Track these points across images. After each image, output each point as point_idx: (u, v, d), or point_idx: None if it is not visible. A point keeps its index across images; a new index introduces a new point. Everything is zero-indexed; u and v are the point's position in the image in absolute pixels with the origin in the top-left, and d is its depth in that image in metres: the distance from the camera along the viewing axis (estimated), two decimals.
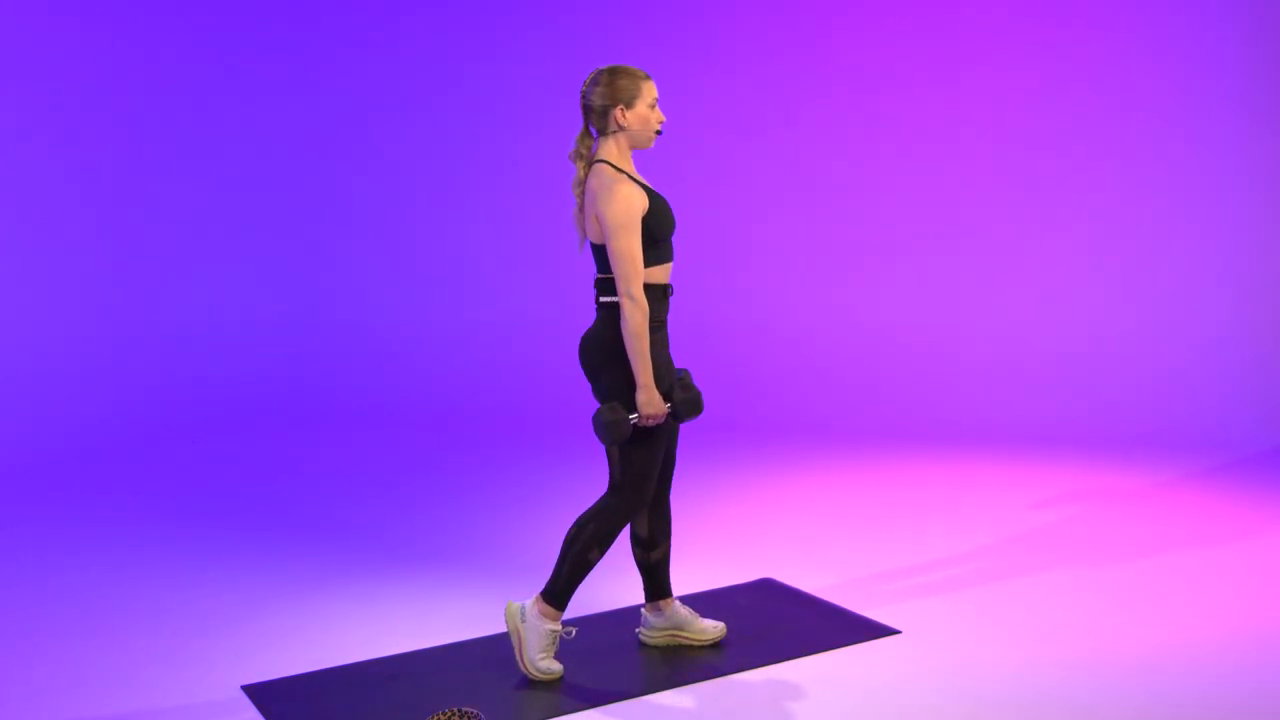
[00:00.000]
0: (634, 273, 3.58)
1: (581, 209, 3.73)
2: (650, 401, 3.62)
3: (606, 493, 3.78)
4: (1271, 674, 3.70)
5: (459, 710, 3.30)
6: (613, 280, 3.65)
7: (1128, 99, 7.22)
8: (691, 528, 5.08)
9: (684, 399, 3.72)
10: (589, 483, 5.56)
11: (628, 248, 3.58)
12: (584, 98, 3.71)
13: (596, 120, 3.71)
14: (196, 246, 7.83)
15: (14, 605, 4.48)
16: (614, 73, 3.69)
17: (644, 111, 3.69)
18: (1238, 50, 7.06)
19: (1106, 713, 3.46)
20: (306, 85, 8.08)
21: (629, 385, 3.65)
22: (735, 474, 6.01)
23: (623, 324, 3.60)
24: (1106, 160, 7.27)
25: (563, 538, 3.79)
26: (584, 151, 3.73)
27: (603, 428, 3.61)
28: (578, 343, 3.79)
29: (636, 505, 3.74)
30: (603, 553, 3.74)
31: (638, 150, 3.75)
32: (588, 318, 3.89)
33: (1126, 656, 3.84)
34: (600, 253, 3.69)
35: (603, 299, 3.70)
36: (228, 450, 6.65)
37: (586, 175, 3.70)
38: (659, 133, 3.73)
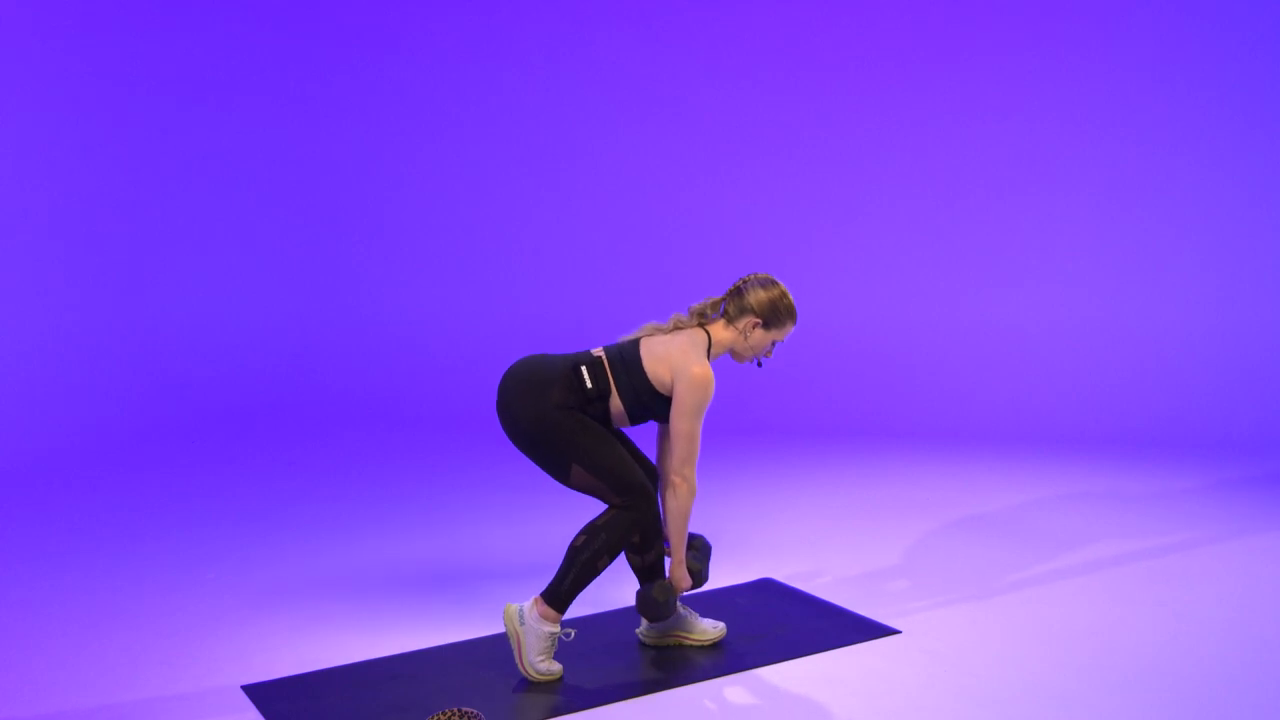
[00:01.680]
0: (693, 455, 3.76)
1: (660, 330, 3.83)
2: (683, 577, 3.89)
3: (611, 506, 3.78)
4: (1272, 674, 3.70)
5: (459, 710, 3.30)
6: (613, 373, 3.73)
7: (1127, 98, 7.22)
8: (692, 528, 5.08)
9: (695, 570, 3.95)
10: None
11: (694, 431, 3.73)
12: (744, 283, 3.85)
13: (733, 308, 3.85)
14: (195, 246, 7.83)
15: (14, 605, 4.47)
16: (784, 298, 3.84)
17: (766, 340, 3.86)
18: (1238, 50, 7.07)
19: (1106, 712, 3.46)
20: (307, 85, 8.07)
21: (545, 423, 3.68)
22: (735, 474, 6.01)
23: (672, 501, 3.78)
24: (1107, 160, 7.28)
25: (563, 537, 3.80)
26: (706, 314, 3.86)
27: (655, 607, 3.80)
28: (517, 360, 3.84)
29: (644, 508, 3.75)
30: (611, 560, 3.75)
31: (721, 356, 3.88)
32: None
33: (1126, 656, 3.83)
34: (636, 366, 3.74)
35: (583, 368, 3.74)
36: (228, 450, 6.65)
37: (691, 328, 3.83)
38: (758, 365, 3.93)
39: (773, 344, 3.88)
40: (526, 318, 7.81)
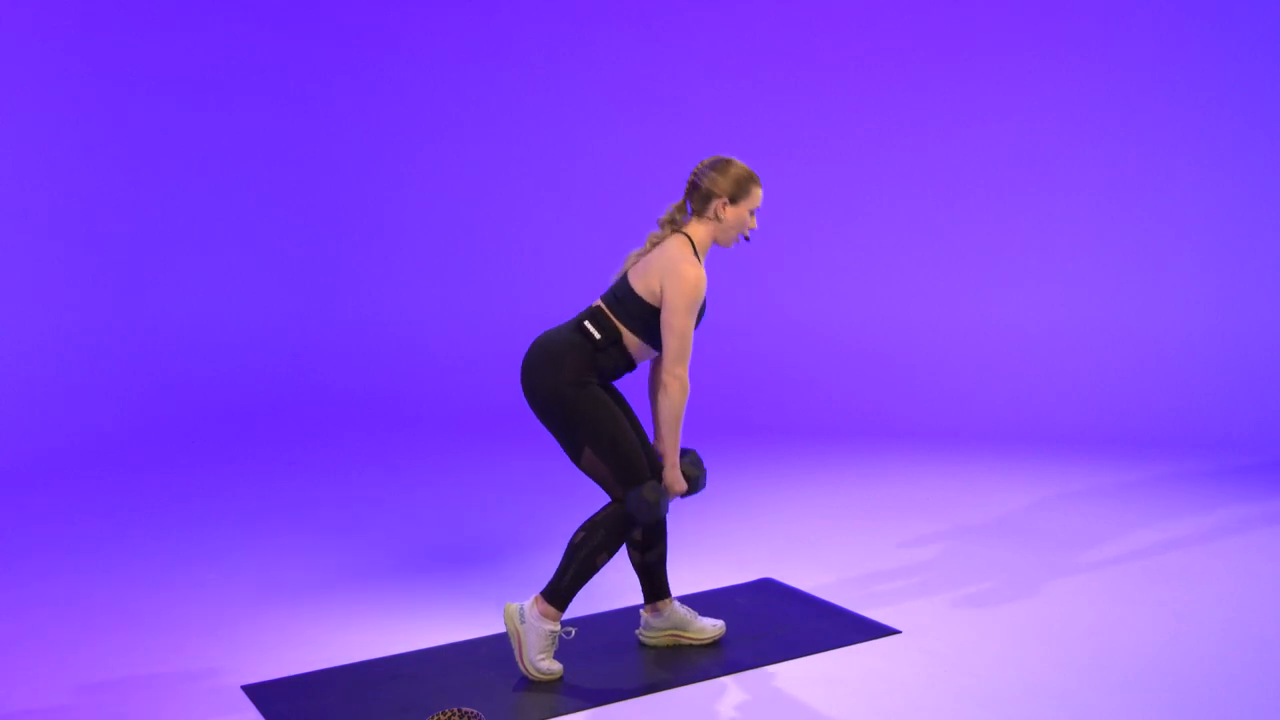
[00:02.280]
0: (684, 354, 3.70)
1: (642, 255, 3.80)
2: (676, 480, 3.80)
3: (613, 501, 3.77)
4: (1272, 674, 3.70)
5: (459, 710, 3.30)
6: (615, 314, 3.73)
7: (1128, 98, 7.22)
8: (691, 528, 5.08)
9: (693, 476, 3.89)
10: (589, 481, 5.56)
11: (685, 328, 3.69)
12: (695, 175, 3.79)
13: (697, 201, 3.80)
14: (195, 246, 7.83)
15: (14, 605, 4.47)
16: (733, 166, 3.79)
17: (742, 213, 3.80)
18: (1239, 50, 7.06)
19: (1106, 712, 3.46)
20: (306, 85, 8.07)
21: (560, 398, 3.68)
22: (735, 474, 6.00)
23: (664, 400, 3.72)
24: (1107, 160, 7.28)
25: (563, 537, 3.80)
26: (676, 220, 3.83)
27: (646, 507, 3.71)
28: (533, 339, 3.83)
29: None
30: (610, 556, 3.75)
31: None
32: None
33: (1126, 656, 3.84)
34: (629, 295, 3.73)
35: (587, 322, 3.74)
36: (228, 450, 6.65)
37: (667, 237, 3.79)
38: (746, 238, 3.85)
39: (751, 214, 3.82)
40: (526, 318, 7.79)
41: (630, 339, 3.76)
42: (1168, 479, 5.85)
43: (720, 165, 3.79)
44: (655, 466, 3.89)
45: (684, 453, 3.92)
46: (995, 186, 7.44)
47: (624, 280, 3.80)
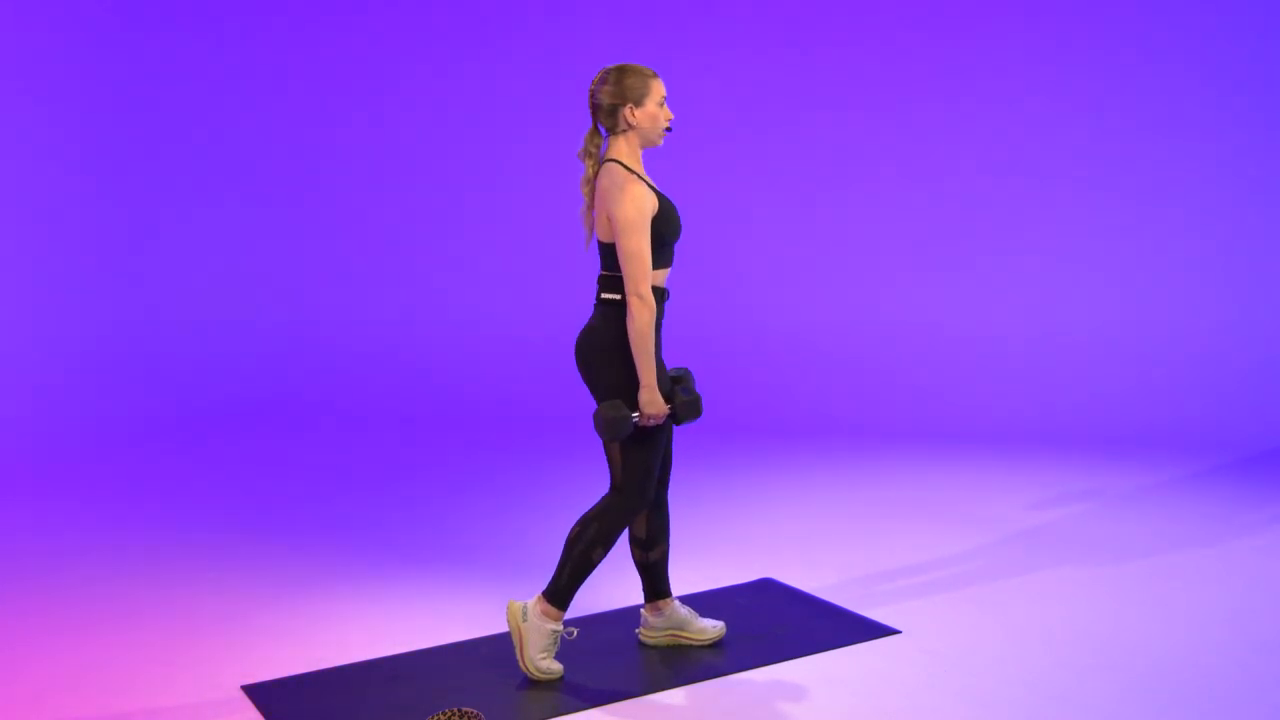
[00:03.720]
0: (643, 273, 3.59)
1: (590, 207, 3.74)
2: (652, 401, 3.63)
3: (609, 493, 3.78)
4: (1273, 673, 3.70)
5: (459, 710, 3.30)
6: (617, 278, 3.66)
7: (1127, 98, 7.23)
8: (691, 528, 5.08)
9: (685, 401, 3.73)
10: (589, 481, 5.57)
11: (638, 247, 3.58)
12: (592, 96, 3.71)
13: (605, 119, 3.71)
14: (195, 245, 7.83)
15: (14, 605, 4.47)
16: (622, 71, 3.69)
17: (653, 109, 3.70)
18: (1239, 50, 7.07)
19: (1107, 712, 3.46)
20: (306, 85, 8.07)
21: (629, 383, 3.65)
22: (735, 474, 6.01)
23: (629, 322, 3.60)
24: (1108, 160, 7.28)
25: (564, 537, 3.79)
26: (593, 150, 3.74)
27: (604, 424, 3.61)
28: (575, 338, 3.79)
29: (639, 505, 3.74)
30: (605, 552, 3.74)
31: (647, 150, 3.75)
32: (589, 314, 3.89)
33: (1127, 656, 3.84)
34: (607, 250, 3.69)
35: (604, 295, 3.70)
36: (227, 449, 6.65)
37: (596, 173, 3.71)
38: (669, 129, 3.73)
39: (660, 104, 3.71)
40: (529, 319, 7.81)
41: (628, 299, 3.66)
42: (1168, 479, 5.85)
43: (611, 75, 3.69)
44: (664, 475, 3.90)
45: (678, 378, 3.82)
46: (996, 186, 7.45)
47: (594, 243, 3.76)
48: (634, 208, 3.58)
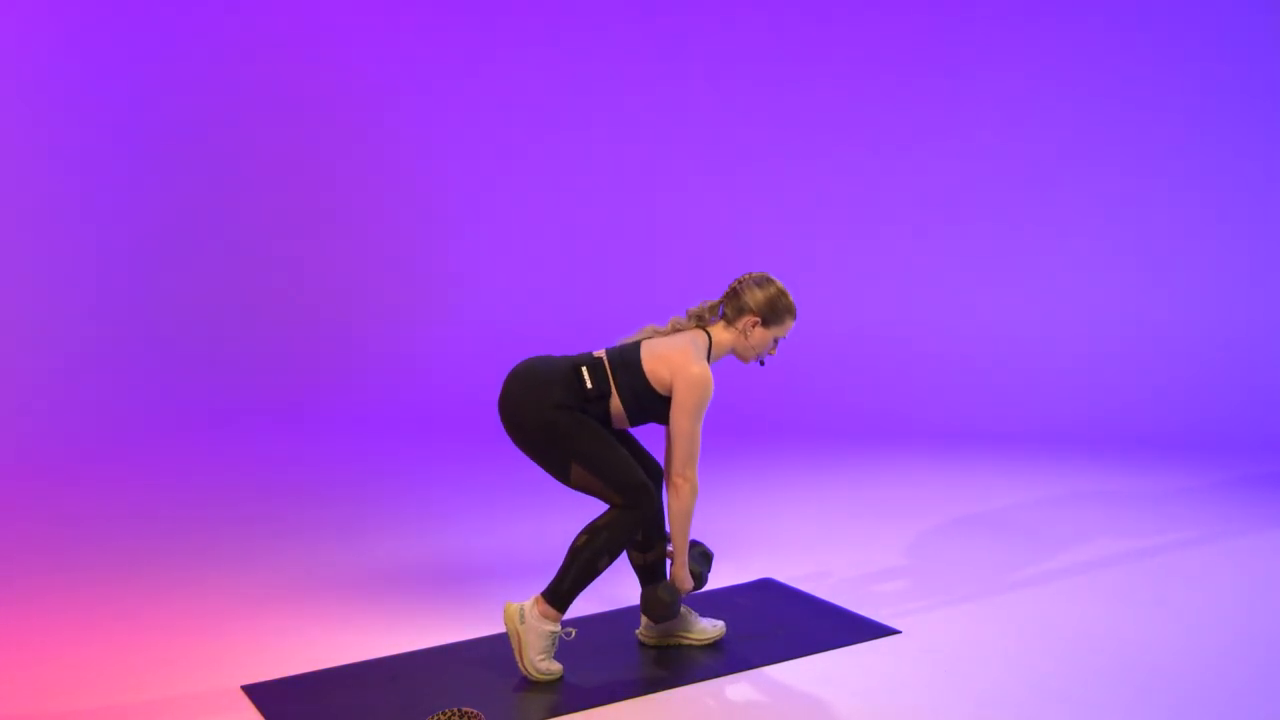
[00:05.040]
0: (694, 455, 3.74)
1: (660, 333, 3.85)
2: (685, 578, 3.86)
3: (613, 506, 3.77)
4: (1273, 673, 3.70)
5: (459, 710, 3.30)
6: (614, 373, 3.73)
7: (1134, 97, 7.23)
8: (692, 528, 5.07)
9: (698, 573, 3.94)
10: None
11: (694, 430, 3.72)
12: (738, 284, 3.85)
13: (731, 308, 3.84)
14: (194, 245, 7.83)
15: (14, 605, 4.47)
16: (782, 295, 3.85)
17: (769, 337, 3.85)
18: (1239, 50, 7.06)
19: (1107, 712, 3.46)
20: (305, 86, 8.07)
21: (543, 419, 3.68)
22: (735, 474, 6.01)
23: (675, 501, 3.75)
24: (1108, 160, 7.28)
25: (563, 537, 3.80)
26: (705, 317, 3.87)
27: (662, 607, 3.79)
28: (524, 360, 3.84)
29: (646, 506, 3.74)
30: (612, 560, 3.75)
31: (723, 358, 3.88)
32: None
33: (1127, 656, 3.84)
34: (635, 366, 3.74)
35: (584, 368, 3.75)
36: (227, 449, 6.65)
37: (690, 329, 3.84)
38: (760, 363, 3.90)
39: (775, 341, 3.87)
40: (528, 321, 7.81)
41: (616, 403, 3.77)
42: (1169, 479, 5.85)
43: (766, 285, 3.84)
44: (651, 470, 3.91)
45: (692, 545, 3.98)
46: (996, 186, 7.44)
47: (635, 349, 3.81)
48: (703, 394, 3.71)
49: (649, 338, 3.86)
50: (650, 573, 3.96)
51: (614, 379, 3.76)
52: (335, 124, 8.11)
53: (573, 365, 3.78)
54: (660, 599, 3.79)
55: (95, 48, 7.41)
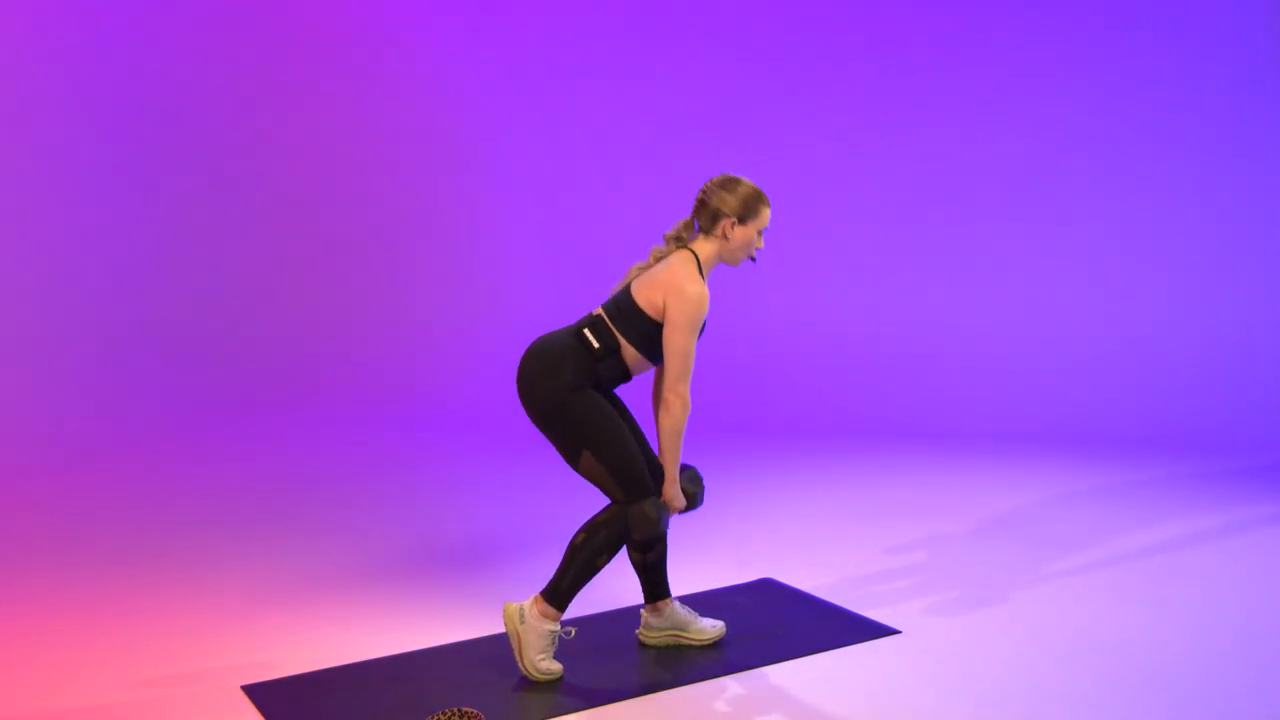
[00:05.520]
0: (686, 371, 3.70)
1: (645, 268, 3.82)
2: (676, 496, 3.80)
3: (614, 503, 3.77)
4: (1273, 673, 3.70)
5: (459, 710, 3.30)
6: (615, 325, 3.73)
7: (1135, 98, 7.22)
8: (691, 528, 5.08)
9: (691, 492, 3.90)
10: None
11: (688, 346, 3.69)
12: (704, 193, 3.79)
13: (705, 218, 3.80)
14: (192, 244, 7.83)
15: (14, 605, 4.47)
16: (743, 185, 3.78)
17: (750, 233, 3.79)
18: (1240, 51, 7.06)
19: (1107, 712, 3.46)
20: (307, 85, 8.07)
21: (558, 403, 3.69)
22: (735, 474, 6.00)
23: (666, 418, 3.72)
24: (1108, 160, 7.28)
25: (563, 537, 3.79)
26: (682, 237, 3.83)
27: (648, 523, 3.72)
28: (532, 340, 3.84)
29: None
30: (611, 559, 3.75)
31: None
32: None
33: (1127, 655, 3.84)
34: (631, 307, 3.73)
35: (586, 330, 3.75)
36: (227, 449, 6.65)
37: (672, 253, 3.80)
38: (751, 259, 3.84)
39: (759, 234, 3.81)
40: (526, 319, 7.81)
41: (629, 351, 3.76)
42: (1169, 479, 5.84)
43: (730, 184, 3.79)
44: (655, 470, 3.89)
45: (683, 469, 3.93)
46: (995, 185, 7.44)
47: (626, 292, 3.80)
48: (696, 309, 3.67)
49: (636, 276, 3.84)
50: (650, 571, 3.96)
51: (617, 330, 3.75)
52: (335, 121, 8.11)
53: (576, 331, 3.78)
54: (647, 515, 3.71)
55: (95, 48, 7.41)
